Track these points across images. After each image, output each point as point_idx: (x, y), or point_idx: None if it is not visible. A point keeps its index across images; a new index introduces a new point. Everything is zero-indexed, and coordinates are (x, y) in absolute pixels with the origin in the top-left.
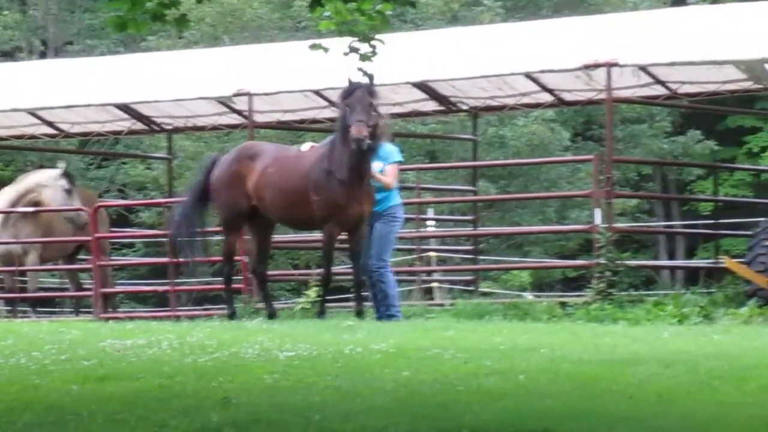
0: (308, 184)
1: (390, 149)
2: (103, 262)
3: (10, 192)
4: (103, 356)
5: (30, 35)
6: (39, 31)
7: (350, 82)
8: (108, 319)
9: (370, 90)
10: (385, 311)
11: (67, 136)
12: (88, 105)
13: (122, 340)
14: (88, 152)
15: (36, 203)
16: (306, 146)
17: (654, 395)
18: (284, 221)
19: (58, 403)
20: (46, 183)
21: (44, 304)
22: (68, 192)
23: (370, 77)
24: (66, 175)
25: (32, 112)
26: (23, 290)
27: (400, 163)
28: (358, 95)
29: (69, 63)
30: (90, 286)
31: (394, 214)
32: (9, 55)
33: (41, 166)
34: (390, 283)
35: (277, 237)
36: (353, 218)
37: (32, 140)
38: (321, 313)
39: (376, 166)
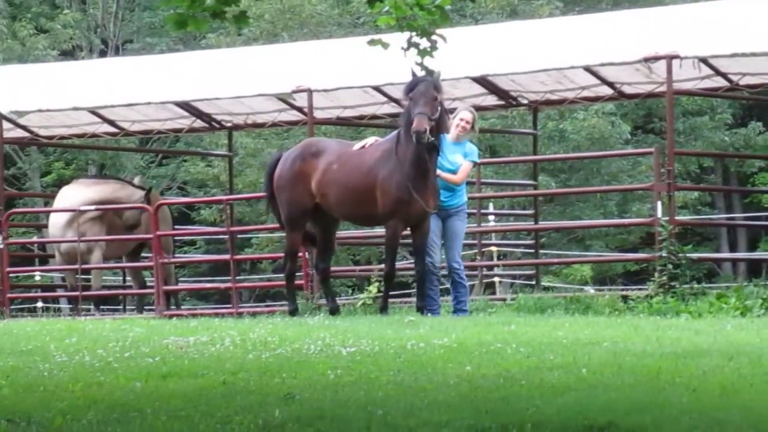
0: (373, 180)
1: (471, 148)
2: (164, 260)
3: (86, 193)
4: (166, 353)
5: (90, 34)
6: (99, 29)
7: (414, 75)
8: (171, 316)
9: (434, 83)
10: (463, 305)
11: (128, 134)
12: (149, 103)
13: (185, 337)
14: (149, 150)
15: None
16: (369, 140)
17: (717, 388)
18: (348, 218)
19: (121, 401)
20: (126, 200)
21: (107, 303)
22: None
23: (431, 72)
24: (146, 193)
25: (93, 111)
26: (86, 288)
27: (475, 164)
28: (422, 88)
29: (129, 61)
30: (152, 284)
31: (466, 210)
32: (69, 54)
33: (102, 165)
34: (465, 279)
35: (338, 233)
36: (417, 214)
37: (93, 139)
38: (383, 309)
39: (458, 159)
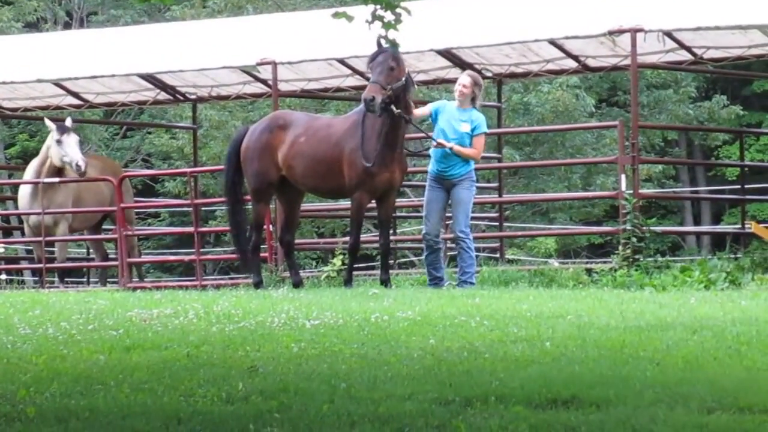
0: (340, 152)
1: (478, 117)
2: (128, 232)
3: (34, 162)
4: (129, 326)
5: (54, 6)
6: (63, 1)
7: (378, 46)
8: (134, 288)
9: (393, 55)
10: (469, 277)
11: (92, 106)
12: (113, 75)
13: (149, 309)
14: (113, 122)
15: (56, 169)
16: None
17: (681, 361)
18: (315, 190)
19: (85, 373)
20: (48, 144)
21: (72, 275)
22: (58, 142)
23: (395, 45)
24: (58, 127)
25: (57, 83)
26: (50, 261)
27: (486, 134)
28: (380, 59)
29: (93, 33)
30: (115, 257)
31: (473, 178)
32: (33, 26)
33: None
34: (473, 249)
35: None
36: (383, 186)
37: (57, 111)
38: (348, 282)
39: (464, 127)
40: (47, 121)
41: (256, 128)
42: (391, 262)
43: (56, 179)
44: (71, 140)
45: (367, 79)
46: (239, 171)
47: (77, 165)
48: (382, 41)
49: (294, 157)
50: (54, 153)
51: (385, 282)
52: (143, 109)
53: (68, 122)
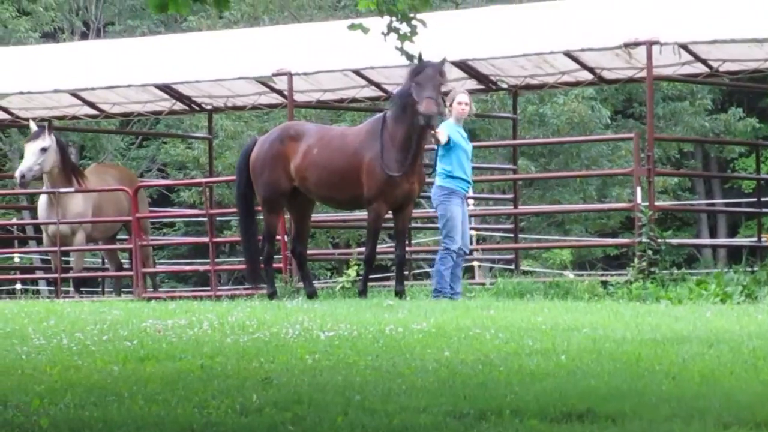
0: (358, 162)
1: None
2: (143, 242)
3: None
4: (144, 336)
5: (71, 16)
6: (80, 12)
7: (421, 59)
8: (149, 298)
9: (440, 69)
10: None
11: (108, 116)
12: (129, 85)
13: (163, 320)
14: (129, 132)
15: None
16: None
17: (697, 375)
18: (329, 201)
19: (99, 384)
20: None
21: (86, 285)
22: (31, 141)
23: (411, 57)
24: (31, 132)
25: (74, 93)
26: (66, 270)
27: None
28: (429, 73)
29: (110, 43)
30: (130, 266)
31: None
32: (51, 36)
33: (83, 147)
34: None
35: (317, 216)
36: (402, 196)
37: (74, 121)
38: (363, 293)
39: (469, 144)
40: (32, 124)
41: (266, 139)
42: (406, 273)
43: (72, 189)
44: (30, 147)
45: (384, 90)
46: (250, 183)
47: (21, 174)
48: (399, 53)
49: (307, 167)
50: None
51: (401, 293)
52: (159, 119)
53: (33, 126)
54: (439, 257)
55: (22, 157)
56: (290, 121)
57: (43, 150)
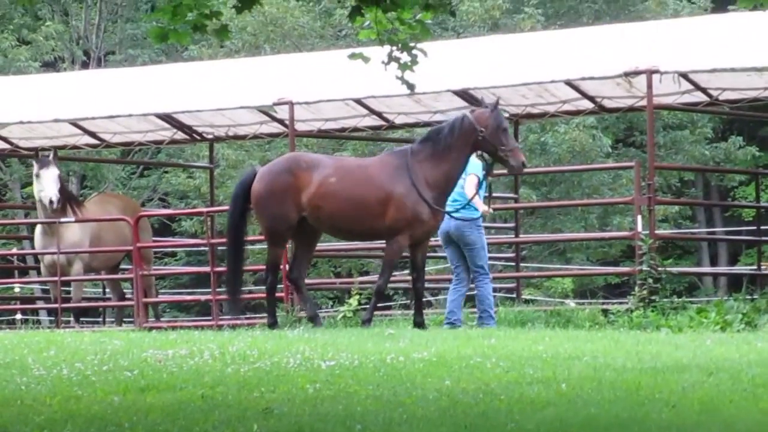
0: (386, 195)
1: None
2: (145, 272)
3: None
4: (144, 367)
5: (72, 45)
6: (81, 41)
7: (476, 100)
8: (150, 328)
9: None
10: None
11: (109, 146)
12: (130, 115)
13: (164, 350)
14: (131, 162)
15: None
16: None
17: (697, 403)
18: (341, 231)
19: (99, 415)
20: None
21: (87, 314)
22: (37, 176)
23: (411, 87)
24: (38, 161)
25: (74, 123)
26: (66, 300)
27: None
28: (506, 122)
29: (111, 73)
30: (132, 296)
31: (479, 223)
32: (51, 65)
33: (84, 177)
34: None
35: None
36: (428, 231)
37: (75, 150)
38: (368, 321)
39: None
40: (42, 154)
41: (271, 171)
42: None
43: (71, 218)
44: (49, 174)
45: (385, 119)
46: (245, 213)
47: (50, 201)
48: (400, 83)
49: (323, 197)
50: (34, 188)
51: (420, 324)
52: (160, 148)
53: (50, 156)
54: (485, 283)
55: (23, 186)
56: (294, 153)
57: (60, 177)
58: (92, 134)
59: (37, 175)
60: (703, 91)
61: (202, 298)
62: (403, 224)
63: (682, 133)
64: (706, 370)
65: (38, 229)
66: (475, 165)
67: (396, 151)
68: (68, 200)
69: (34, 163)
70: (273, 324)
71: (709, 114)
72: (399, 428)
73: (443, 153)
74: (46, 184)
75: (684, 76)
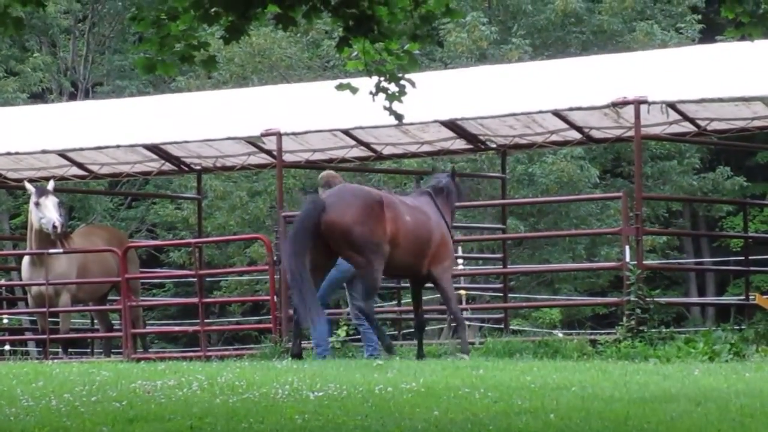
0: (441, 233)
1: None
2: (133, 303)
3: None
4: (133, 397)
5: (60, 77)
6: (69, 72)
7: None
8: (138, 359)
9: None
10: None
11: (97, 177)
12: (118, 146)
13: (152, 381)
14: (118, 193)
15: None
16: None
17: None
18: (402, 269)
19: None
20: (30, 208)
21: (75, 345)
22: (36, 205)
23: (399, 117)
24: (36, 190)
25: (62, 154)
26: (54, 331)
27: None
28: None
29: (98, 104)
30: (120, 327)
31: None
32: (39, 96)
33: (72, 208)
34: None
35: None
36: None
37: (62, 181)
38: (390, 348)
39: None
40: (27, 185)
41: (357, 198)
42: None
43: (60, 249)
44: (49, 202)
45: (373, 150)
46: (311, 244)
47: (54, 225)
48: (388, 113)
49: (403, 235)
50: (33, 216)
51: (467, 351)
52: (148, 179)
53: (50, 185)
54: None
55: (12, 217)
56: (356, 185)
57: (62, 204)
58: (80, 165)
59: (37, 204)
60: (691, 121)
61: (190, 329)
62: (450, 258)
63: (669, 163)
64: (694, 400)
65: (26, 260)
66: None
67: (420, 191)
68: None
69: (32, 193)
70: (389, 348)
71: (696, 144)
72: None
73: (445, 203)
74: (47, 212)
75: (672, 106)
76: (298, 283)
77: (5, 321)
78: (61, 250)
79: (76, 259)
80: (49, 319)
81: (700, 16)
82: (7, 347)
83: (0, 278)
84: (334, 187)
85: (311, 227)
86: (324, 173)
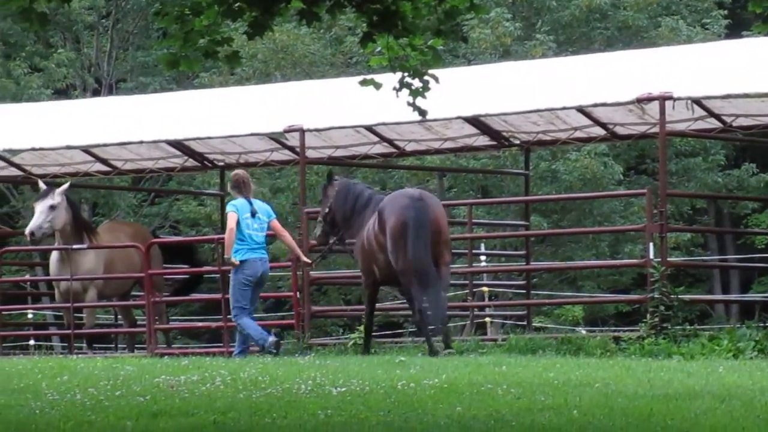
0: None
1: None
2: (156, 298)
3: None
4: (156, 392)
5: (84, 73)
6: (92, 68)
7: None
8: (162, 355)
9: None
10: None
11: (121, 173)
12: (141, 142)
13: (176, 376)
14: (142, 189)
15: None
16: None
17: (709, 431)
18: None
19: None
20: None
21: (99, 341)
22: (34, 207)
23: (423, 113)
24: (42, 190)
25: (86, 150)
26: (79, 327)
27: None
28: None
29: (122, 100)
30: (144, 323)
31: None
32: (63, 92)
33: (95, 204)
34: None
35: (332, 273)
36: None
37: (86, 177)
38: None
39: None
40: (40, 183)
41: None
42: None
43: (84, 245)
44: (38, 206)
45: (396, 146)
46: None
47: (30, 232)
48: (412, 109)
49: None
50: (38, 217)
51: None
52: (171, 175)
53: (62, 187)
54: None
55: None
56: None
57: (52, 208)
58: (104, 161)
59: (34, 206)
60: (717, 117)
61: (213, 325)
62: None
63: (694, 160)
64: (718, 397)
65: (53, 256)
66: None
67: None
68: (83, 227)
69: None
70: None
71: (722, 141)
72: None
73: None
74: (35, 216)
75: (697, 102)
76: (427, 282)
77: (30, 316)
78: (84, 246)
79: (103, 255)
80: (74, 315)
81: (726, 12)
82: (31, 342)
83: (24, 274)
84: (404, 189)
85: (428, 225)
86: (235, 173)
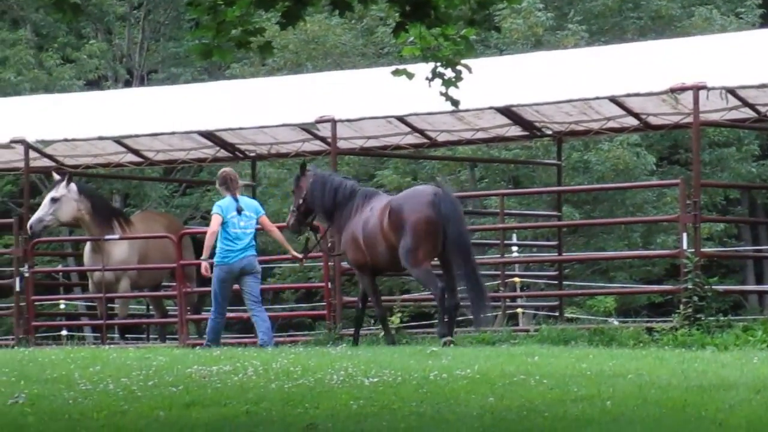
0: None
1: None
2: (188, 289)
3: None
4: (189, 382)
5: (115, 64)
6: (124, 59)
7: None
8: (194, 345)
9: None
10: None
11: (152, 163)
12: (173, 133)
13: (208, 366)
14: (173, 180)
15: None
16: None
17: (744, 421)
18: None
19: (145, 429)
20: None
21: (131, 331)
22: (48, 196)
23: (456, 103)
24: (55, 182)
25: (118, 141)
26: (111, 317)
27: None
28: None
29: (154, 91)
30: (175, 313)
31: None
32: (95, 83)
33: (127, 195)
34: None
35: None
36: None
37: (118, 168)
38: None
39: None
40: (54, 174)
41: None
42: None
43: (116, 236)
44: (45, 200)
45: (427, 137)
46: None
47: (29, 226)
48: (444, 98)
49: None
50: (43, 208)
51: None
52: (203, 166)
53: (70, 187)
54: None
55: None
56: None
57: (54, 200)
58: (136, 152)
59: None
60: (751, 107)
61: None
62: None
63: (728, 150)
64: (753, 388)
65: (87, 246)
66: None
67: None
68: (113, 216)
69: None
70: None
71: (756, 130)
72: None
73: None
74: (39, 209)
75: (731, 91)
76: (473, 279)
77: (62, 306)
78: (116, 237)
79: (137, 245)
80: (108, 305)
81: (760, 1)
82: (64, 332)
83: (57, 264)
84: (423, 186)
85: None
86: (222, 170)
